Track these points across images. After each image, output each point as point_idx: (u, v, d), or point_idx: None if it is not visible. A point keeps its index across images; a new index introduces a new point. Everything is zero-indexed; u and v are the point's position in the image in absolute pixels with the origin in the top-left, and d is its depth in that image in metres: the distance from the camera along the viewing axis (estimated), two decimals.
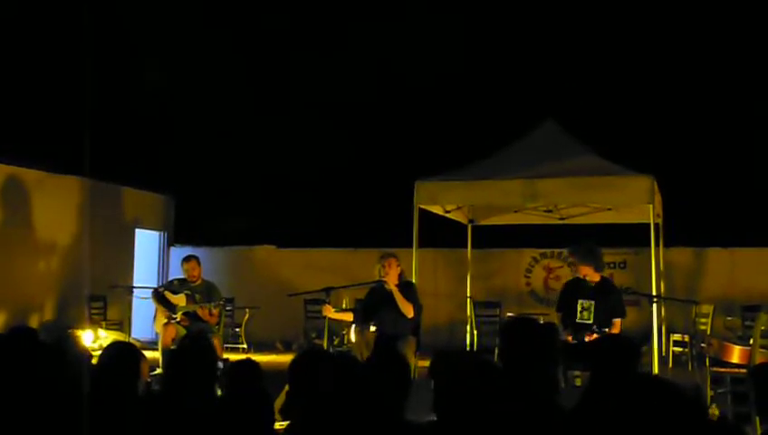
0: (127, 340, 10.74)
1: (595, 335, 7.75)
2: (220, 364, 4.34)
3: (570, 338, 7.96)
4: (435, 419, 3.45)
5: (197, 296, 9.49)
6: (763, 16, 17.16)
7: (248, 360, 4.11)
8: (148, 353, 10.33)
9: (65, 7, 17.63)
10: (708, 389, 7.67)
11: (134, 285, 14.66)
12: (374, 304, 8.45)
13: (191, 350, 3.89)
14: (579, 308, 8.10)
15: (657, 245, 10.37)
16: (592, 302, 8.07)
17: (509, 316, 13.13)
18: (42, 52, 17.38)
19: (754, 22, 17.47)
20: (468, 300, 13.09)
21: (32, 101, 17.07)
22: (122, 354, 3.99)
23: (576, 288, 8.30)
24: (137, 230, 16.66)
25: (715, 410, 7.19)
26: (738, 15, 17.60)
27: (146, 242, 17.00)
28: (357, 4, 19.35)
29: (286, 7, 20.00)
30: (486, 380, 3.45)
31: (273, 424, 3.64)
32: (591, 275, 8.18)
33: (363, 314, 8.54)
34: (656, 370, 9.08)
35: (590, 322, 8.01)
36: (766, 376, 3.47)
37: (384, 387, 3.52)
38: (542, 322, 7.32)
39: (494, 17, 19.18)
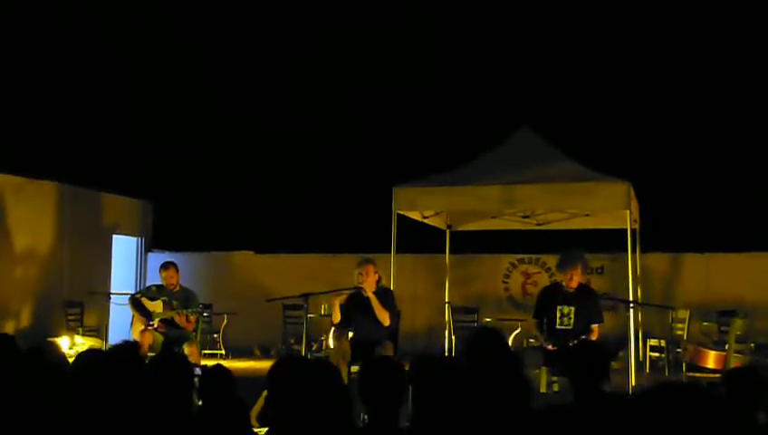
0: (103, 346, 10.68)
1: None
2: (198, 371, 4.32)
3: (550, 346, 7.95)
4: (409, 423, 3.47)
5: (175, 303, 9.44)
6: (736, 21, 17.33)
7: (218, 366, 4.08)
8: None
9: (45, 13, 17.57)
10: None
11: (111, 291, 14.60)
12: (352, 311, 8.45)
13: (167, 361, 3.88)
14: (558, 314, 8.07)
15: (633, 250, 10.44)
16: (572, 307, 8.06)
17: (487, 321, 13.21)
18: (19, 57, 17.28)
19: (729, 27, 17.63)
20: (447, 305, 13.13)
21: (8, 107, 16.96)
22: (95, 361, 3.98)
23: (554, 294, 8.27)
24: (114, 236, 16.57)
25: None
26: (712, 22, 17.75)
27: (123, 248, 16.92)
28: (334, 12, 19.38)
29: (264, 15, 20.00)
30: (463, 384, 3.47)
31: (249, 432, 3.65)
32: (576, 278, 8.13)
33: (343, 320, 8.54)
34: (632, 375, 9.13)
35: (571, 328, 7.98)
36: (738, 381, 3.51)
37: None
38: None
39: (470, 23, 19.26)
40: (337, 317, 8.49)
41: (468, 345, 4.26)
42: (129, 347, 4.11)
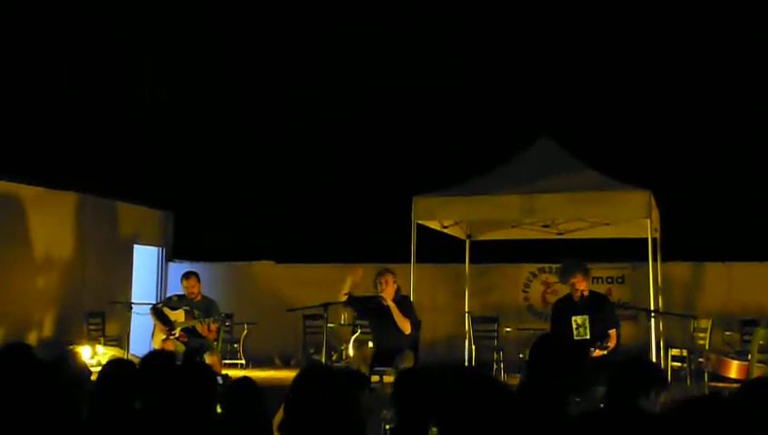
0: (125, 356, 10.72)
1: (598, 352, 7.73)
2: (219, 380, 4.33)
3: None
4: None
5: (196, 312, 9.48)
6: (756, 31, 17.24)
7: (245, 379, 4.08)
8: None
9: (63, 24, 17.70)
10: None
11: (133, 301, 14.64)
12: (370, 319, 8.47)
13: (190, 368, 3.89)
14: (574, 325, 8.06)
15: (654, 259, 10.40)
16: (586, 316, 8.04)
17: (507, 331, 13.16)
18: (39, 68, 17.42)
19: (750, 37, 17.55)
20: (467, 315, 13.10)
21: (29, 118, 17.09)
22: (121, 371, 4.00)
23: (567, 305, 8.26)
24: (135, 246, 16.63)
25: None
26: (734, 31, 17.68)
27: (144, 258, 16.98)
28: (354, 19, 19.42)
29: (281, 24, 20.07)
30: (487, 394, 3.46)
31: None
32: (582, 285, 8.11)
33: (350, 298, 8.52)
34: None
35: (588, 337, 7.98)
36: (758, 391, 3.48)
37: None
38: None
39: (490, 33, 19.25)
40: (345, 290, 8.46)
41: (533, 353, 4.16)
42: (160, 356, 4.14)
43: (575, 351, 4.16)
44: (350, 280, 8.49)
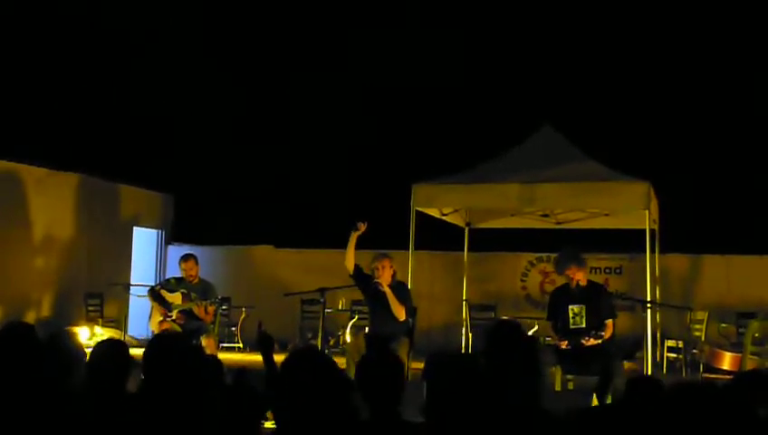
0: (122, 337, 10.77)
1: (593, 341, 7.75)
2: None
3: (564, 344, 7.95)
4: (425, 419, 3.49)
5: (194, 295, 9.49)
6: (759, 21, 17.22)
7: (213, 357, 4.08)
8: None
9: (69, 10, 17.69)
10: None
11: (131, 282, 14.68)
12: (368, 301, 8.49)
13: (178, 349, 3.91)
14: (570, 314, 8.07)
15: (652, 251, 10.42)
16: (582, 306, 8.06)
17: (505, 319, 13.18)
18: (42, 49, 17.42)
19: (751, 28, 17.52)
20: (464, 303, 13.13)
21: (32, 99, 17.10)
22: (113, 351, 4.02)
23: (564, 294, 8.27)
24: (135, 228, 16.67)
25: None
26: (735, 21, 17.65)
27: (144, 240, 17.01)
28: (355, 10, 19.39)
29: (290, 11, 20.05)
30: (479, 383, 3.48)
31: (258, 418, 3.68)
32: (578, 275, 8.14)
33: (356, 271, 8.56)
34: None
35: (584, 326, 7.99)
36: (748, 384, 3.49)
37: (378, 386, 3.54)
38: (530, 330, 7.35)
39: (493, 23, 19.23)
40: (351, 262, 8.50)
41: (488, 339, 4.23)
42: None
43: (527, 337, 4.23)
44: (356, 236, 8.52)
